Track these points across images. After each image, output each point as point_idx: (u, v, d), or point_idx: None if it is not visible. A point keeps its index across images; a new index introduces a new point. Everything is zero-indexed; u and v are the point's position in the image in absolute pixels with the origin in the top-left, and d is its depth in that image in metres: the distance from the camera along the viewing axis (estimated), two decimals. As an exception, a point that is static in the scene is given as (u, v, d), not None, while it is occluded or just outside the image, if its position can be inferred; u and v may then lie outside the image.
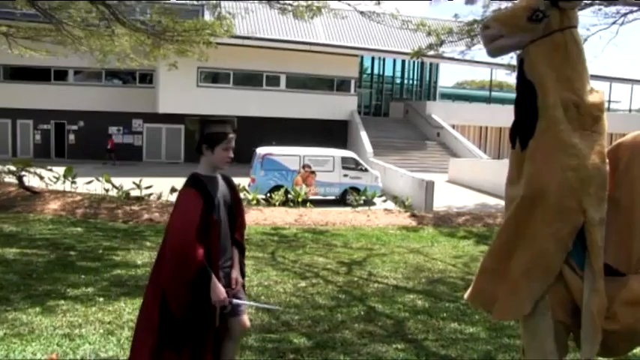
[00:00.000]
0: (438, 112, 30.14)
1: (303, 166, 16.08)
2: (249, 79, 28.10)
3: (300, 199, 13.50)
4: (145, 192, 12.38)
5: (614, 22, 14.40)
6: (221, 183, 3.03)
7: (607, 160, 2.47)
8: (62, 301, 5.08)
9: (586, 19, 29.71)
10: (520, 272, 2.50)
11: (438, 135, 28.84)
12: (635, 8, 13.67)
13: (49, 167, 13.15)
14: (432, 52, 15.77)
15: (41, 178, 12.70)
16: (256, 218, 11.03)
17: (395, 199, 13.97)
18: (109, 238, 8.68)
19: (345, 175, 16.45)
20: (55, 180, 12.92)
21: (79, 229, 9.39)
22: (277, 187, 14.94)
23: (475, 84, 58.29)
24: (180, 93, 25.84)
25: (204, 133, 2.92)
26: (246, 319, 3.09)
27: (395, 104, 34.60)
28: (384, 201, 14.44)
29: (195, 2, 19.83)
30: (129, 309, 4.92)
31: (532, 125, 2.45)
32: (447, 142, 28.17)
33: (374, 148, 24.57)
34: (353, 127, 28.14)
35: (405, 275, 6.82)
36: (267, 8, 15.25)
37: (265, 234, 9.75)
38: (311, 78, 28.97)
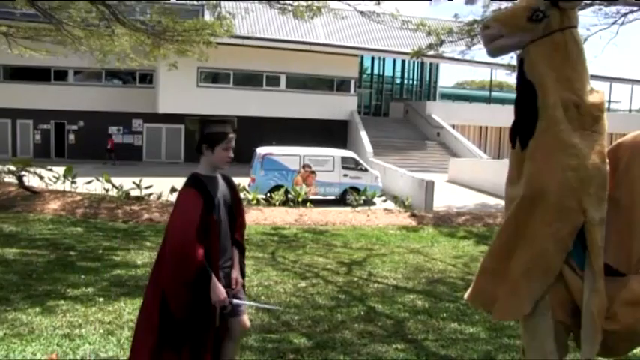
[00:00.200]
0: (438, 112, 30.14)
1: (303, 166, 16.08)
2: (249, 79, 28.11)
3: (300, 199, 13.50)
4: (145, 192, 12.38)
5: (614, 22, 14.41)
6: (221, 183, 3.03)
7: (607, 160, 2.46)
8: (62, 301, 5.08)
9: (586, 19, 29.71)
10: (520, 272, 2.50)
11: (438, 135, 28.84)
12: (635, 8, 13.67)
13: (49, 167, 13.15)
14: (432, 52, 15.76)
15: (41, 178, 12.71)
16: (256, 218, 11.03)
17: (395, 199, 13.96)
18: (109, 238, 8.68)
19: (345, 175, 16.45)
20: (55, 180, 12.92)
21: (79, 229, 9.39)
22: (277, 187, 14.94)
23: (475, 84, 58.29)
24: (180, 93, 25.84)
25: (204, 133, 2.91)
26: (246, 319, 3.09)
27: (395, 104, 34.60)
28: (384, 201, 14.45)
29: (195, 2, 19.83)
30: (129, 309, 4.92)
31: (532, 125, 2.45)
32: (447, 142, 28.17)
33: (374, 148, 24.57)
34: (353, 127, 28.14)
35: (405, 275, 6.82)
36: (267, 8, 15.25)
37: (265, 234, 9.75)
38: (311, 78, 28.97)
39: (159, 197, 12.31)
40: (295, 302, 5.42)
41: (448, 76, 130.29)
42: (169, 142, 28.56)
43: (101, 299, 5.20)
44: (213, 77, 27.93)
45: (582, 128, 2.43)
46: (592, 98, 2.45)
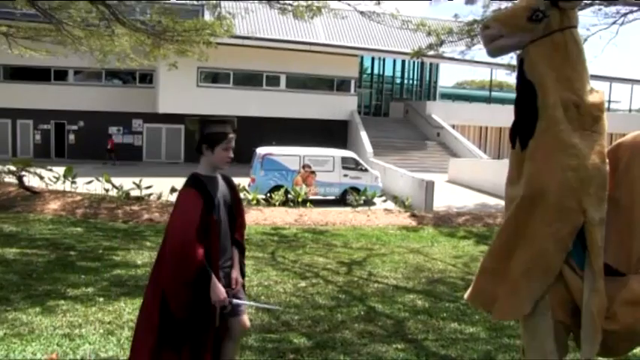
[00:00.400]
0: (438, 112, 30.14)
1: (303, 166, 16.08)
2: (249, 79, 28.10)
3: (300, 199, 13.50)
4: (145, 192, 12.39)
5: (614, 22, 14.42)
6: (221, 183, 3.03)
7: (607, 160, 2.46)
8: (62, 301, 5.08)
9: (586, 19, 29.75)
10: (520, 272, 2.50)
11: (438, 135, 28.83)
12: (635, 8, 13.68)
13: (49, 167, 13.15)
14: (432, 52, 15.76)
15: (41, 178, 12.71)
16: (256, 218, 11.03)
17: (395, 199, 13.97)
18: (109, 238, 8.68)
19: (345, 175, 16.44)
20: (55, 180, 12.93)
21: (79, 229, 9.39)
22: (277, 187, 14.94)
23: (475, 84, 58.30)
24: (180, 93, 25.84)
25: (204, 133, 2.91)
26: (246, 319, 3.09)
27: (395, 104, 34.60)
28: (384, 201, 14.45)
29: (195, 2, 19.83)
30: (129, 309, 4.92)
31: (532, 125, 2.45)
32: (446, 142, 28.17)
33: (374, 148, 24.57)
34: (353, 127, 28.14)
35: (405, 275, 6.82)
36: (267, 8, 15.25)
37: (265, 234, 9.75)
38: (311, 78, 28.97)
39: (159, 197, 12.31)
40: (295, 302, 5.42)
41: (448, 76, 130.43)
42: (169, 142, 28.56)
43: (101, 299, 5.20)
44: (214, 77, 27.92)
45: (582, 128, 2.43)
46: (592, 98, 2.45)
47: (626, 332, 2.48)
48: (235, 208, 3.09)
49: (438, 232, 10.50)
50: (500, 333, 4.65)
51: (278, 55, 26.59)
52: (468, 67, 30.51)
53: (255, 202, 13.03)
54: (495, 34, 2.47)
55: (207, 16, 16.75)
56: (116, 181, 12.90)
